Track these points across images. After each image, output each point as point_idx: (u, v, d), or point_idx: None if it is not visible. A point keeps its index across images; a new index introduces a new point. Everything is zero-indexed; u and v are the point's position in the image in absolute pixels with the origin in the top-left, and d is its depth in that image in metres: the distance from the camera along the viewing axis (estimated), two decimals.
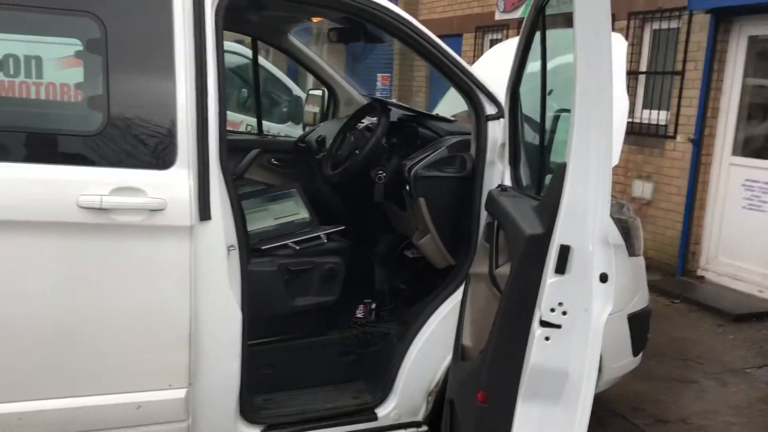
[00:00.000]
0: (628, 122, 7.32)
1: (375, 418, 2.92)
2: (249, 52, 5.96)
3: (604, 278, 1.87)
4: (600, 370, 3.23)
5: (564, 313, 1.90)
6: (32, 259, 2.25)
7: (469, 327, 2.62)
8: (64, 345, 2.33)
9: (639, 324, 3.43)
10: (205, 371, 2.53)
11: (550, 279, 1.89)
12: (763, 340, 5.19)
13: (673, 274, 6.75)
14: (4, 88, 2.35)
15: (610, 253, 1.90)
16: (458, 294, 2.92)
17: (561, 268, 1.88)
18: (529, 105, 2.77)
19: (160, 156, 2.37)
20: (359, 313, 3.33)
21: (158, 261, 2.38)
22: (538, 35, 2.48)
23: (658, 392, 4.21)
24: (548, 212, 1.94)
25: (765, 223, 6.06)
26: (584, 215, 1.87)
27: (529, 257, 1.94)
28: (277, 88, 8.35)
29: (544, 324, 1.91)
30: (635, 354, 3.46)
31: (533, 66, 2.68)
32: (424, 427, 3.01)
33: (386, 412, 2.94)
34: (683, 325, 5.49)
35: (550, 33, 2.35)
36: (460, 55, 10.19)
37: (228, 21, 2.54)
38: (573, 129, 1.86)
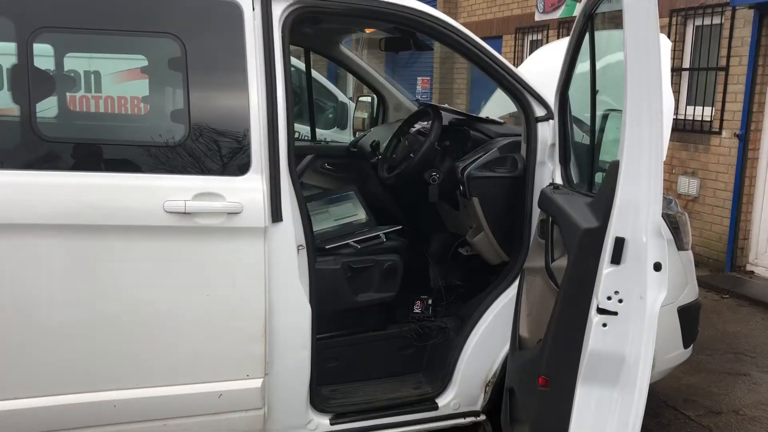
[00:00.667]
0: (672, 119, 7.34)
1: (435, 407, 3.08)
2: (296, 61, 6.20)
3: (658, 267, 2.00)
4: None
5: (620, 300, 2.03)
6: (125, 260, 2.47)
7: (526, 319, 2.75)
8: (156, 338, 2.54)
9: (689, 316, 3.50)
10: (279, 362, 2.72)
11: (606, 269, 2.03)
12: None
13: (722, 269, 6.75)
14: (97, 105, 2.59)
15: (663, 243, 2.02)
16: (512, 289, 3.06)
17: (616, 259, 2.01)
18: (577, 106, 2.90)
19: (236, 163, 2.57)
20: (416, 309, 3.48)
21: (236, 259, 2.58)
22: (586, 39, 2.60)
23: (710, 384, 4.27)
24: (602, 207, 2.07)
25: None
26: (637, 209, 2.00)
27: (586, 249, 2.08)
28: (322, 95, 8.58)
29: (602, 311, 2.04)
30: (686, 346, 3.53)
31: (581, 67, 2.81)
32: (482, 416, 3.15)
33: (446, 401, 3.09)
34: (733, 319, 5.51)
35: (598, 35, 2.48)
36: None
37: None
38: (625, 127, 1.99)
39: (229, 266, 2.59)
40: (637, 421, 2.06)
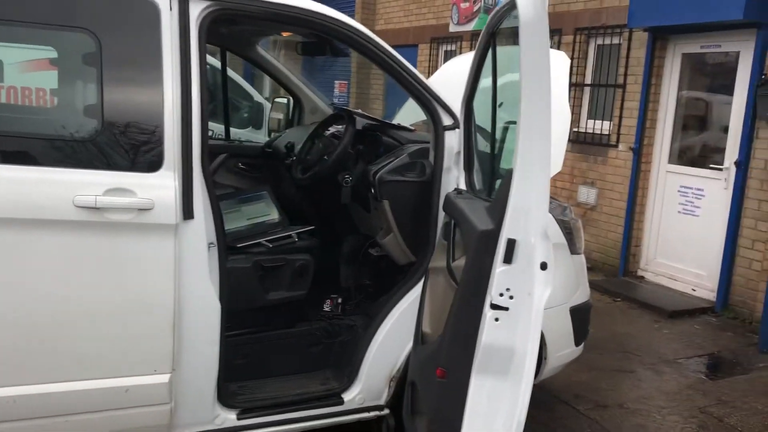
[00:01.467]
0: (574, 131, 7.80)
1: (341, 402, 3.18)
2: (212, 60, 6.18)
3: (544, 266, 2.18)
4: (545, 358, 3.60)
5: (511, 297, 2.21)
6: (33, 253, 2.44)
7: (428, 315, 2.90)
8: (61, 333, 2.52)
9: (580, 316, 3.76)
10: (187, 358, 2.75)
11: (499, 268, 2.20)
12: (694, 334, 5.63)
13: (616, 274, 7.19)
14: (14, 97, 2.55)
15: (548, 245, 2.21)
16: (418, 288, 3.20)
17: (508, 259, 2.18)
18: (482, 117, 3.09)
19: (149, 160, 2.60)
20: (327, 307, 3.58)
21: (146, 256, 2.59)
22: (489, 54, 2.79)
23: (599, 381, 4.58)
24: (498, 211, 2.24)
25: (698, 226, 6.54)
26: (527, 213, 2.18)
27: (482, 250, 2.24)
28: (238, 94, 8.54)
29: (494, 307, 2.21)
30: (577, 344, 3.79)
31: (485, 82, 3.00)
32: (386, 410, 3.28)
33: (351, 396, 3.19)
34: (623, 321, 5.91)
35: (500, 51, 2.66)
36: (415, 64, 10.48)
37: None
38: (518, 139, 2.18)
39: (139, 262, 2.60)
40: (523, 410, 2.24)
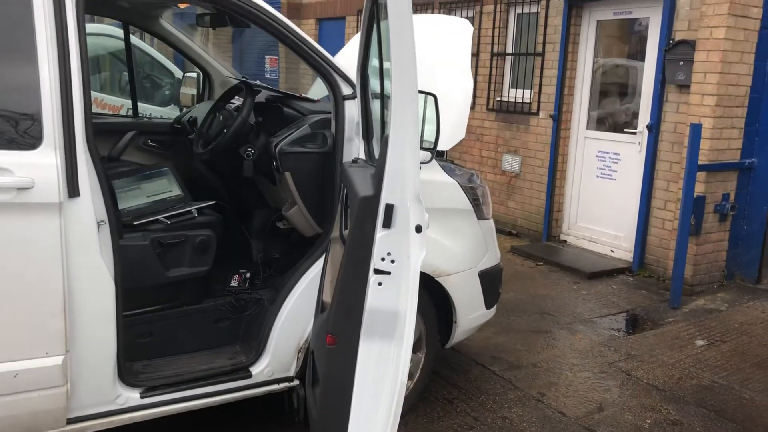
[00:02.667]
0: (497, 101, 7.86)
1: (249, 375, 3.18)
2: (137, 40, 6.01)
3: (418, 229, 2.22)
4: (455, 322, 3.67)
5: (392, 261, 2.23)
6: None
7: (329, 284, 2.92)
8: None
9: (490, 280, 3.85)
10: (81, 338, 2.70)
11: (379, 233, 2.22)
12: (610, 294, 5.83)
13: (539, 239, 7.37)
14: None
15: (422, 207, 2.24)
16: (323, 259, 3.21)
17: (387, 223, 2.21)
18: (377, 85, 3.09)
19: (27, 137, 2.51)
20: (234, 282, 3.56)
21: (30, 236, 2.52)
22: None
23: (515, 343, 4.70)
24: (377, 177, 2.26)
25: (615, 190, 6.74)
26: (403, 178, 2.20)
27: (363, 215, 2.26)
28: (159, 71, 8.34)
29: (377, 272, 2.23)
30: (488, 307, 3.88)
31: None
32: (296, 382, 3.29)
33: (260, 369, 3.20)
34: (544, 284, 6.07)
35: (382, 22, 2.66)
36: (343, 36, 10.37)
37: (96, 6, 2.69)
38: (391, 110, 2.19)
39: (23, 242, 2.53)
40: (405, 369, 2.28)
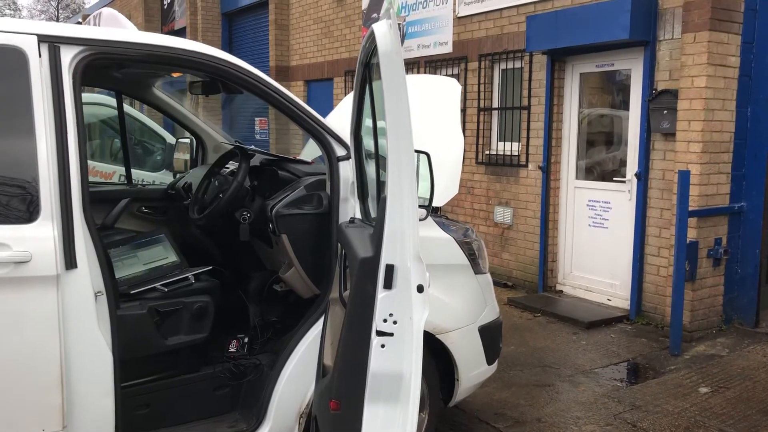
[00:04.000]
0: (486, 154, 7.96)
1: None
2: (130, 109, 6.09)
3: (420, 289, 2.22)
4: (457, 380, 3.63)
5: (395, 322, 2.22)
6: None
7: (329, 347, 2.89)
8: None
9: (490, 335, 3.82)
10: (79, 412, 2.65)
11: (380, 294, 2.22)
12: (610, 343, 5.79)
13: (536, 290, 7.35)
14: None
15: (423, 267, 2.24)
16: (322, 320, 3.19)
17: (388, 284, 2.21)
18: (372, 146, 3.13)
19: (24, 211, 2.52)
20: (232, 348, 3.51)
21: (27, 309, 2.50)
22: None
23: (518, 398, 4.64)
24: (376, 238, 2.27)
25: (607, 238, 6.77)
26: (402, 238, 2.21)
27: (364, 276, 2.26)
28: (150, 137, 8.44)
29: (380, 333, 2.22)
30: (490, 362, 3.84)
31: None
32: None
33: None
34: (543, 335, 6.02)
35: (375, 83, 2.72)
36: (332, 97, 10.52)
37: (88, 78, 2.75)
38: (388, 170, 2.22)
39: (20, 316, 2.51)
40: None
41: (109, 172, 7.51)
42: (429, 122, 3.60)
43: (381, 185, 2.88)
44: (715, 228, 5.84)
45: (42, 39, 2.61)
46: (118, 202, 4.07)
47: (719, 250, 5.82)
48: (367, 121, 2.93)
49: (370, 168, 3.16)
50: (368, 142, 3.04)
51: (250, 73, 3.07)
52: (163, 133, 8.43)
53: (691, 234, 5.60)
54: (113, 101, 7.39)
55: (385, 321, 2.21)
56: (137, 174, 7.21)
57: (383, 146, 2.79)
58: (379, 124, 2.69)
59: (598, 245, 6.88)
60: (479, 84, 8.00)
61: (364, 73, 2.79)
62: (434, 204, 3.19)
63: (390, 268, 2.20)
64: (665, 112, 5.93)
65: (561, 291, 7.27)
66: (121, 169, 7.36)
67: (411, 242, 2.21)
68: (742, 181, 5.93)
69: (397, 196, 2.21)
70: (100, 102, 7.61)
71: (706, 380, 4.91)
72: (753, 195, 5.90)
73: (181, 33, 16.04)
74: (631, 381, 5.00)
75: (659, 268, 6.17)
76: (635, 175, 6.35)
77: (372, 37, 2.36)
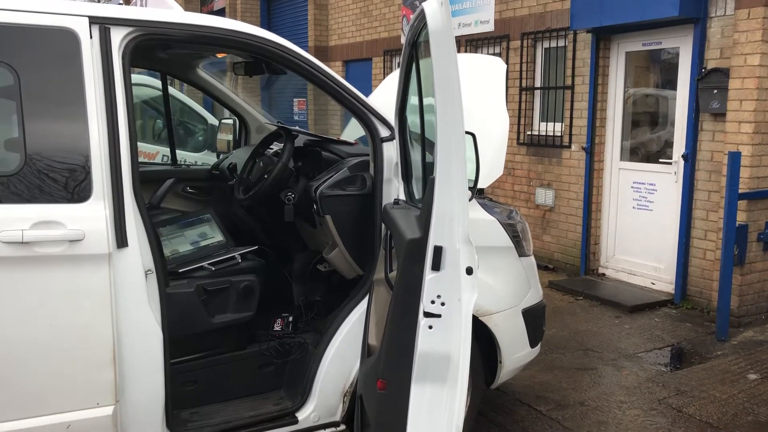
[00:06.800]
0: (528, 134, 7.86)
1: (296, 421, 3.16)
2: (160, 84, 6.15)
3: (469, 271, 2.20)
4: (500, 362, 3.61)
5: (443, 304, 2.22)
6: None
7: (374, 327, 2.90)
8: None
9: (534, 318, 3.78)
10: (131, 388, 2.71)
11: (428, 276, 2.21)
12: (654, 327, 5.70)
13: (577, 273, 7.26)
14: None
15: (472, 249, 2.22)
16: (366, 301, 3.20)
17: (436, 266, 2.20)
18: (419, 126, 3.11)
19: (77, 191, 2.57)
20: (277, 327, 3.55)
21: (80, 286, 2.56)
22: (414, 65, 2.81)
23: (560, 381, 4.60)
24: (424, 219, 2.26)
25: (652, 220, 6.64)
26: (451, 220, 2.20)
27: (411, 258, 2.25)
28: (192, 118, 8.53)
29: (427, 315, 2.21)
30: (533, 345, 3.81)
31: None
32: (342, 426, 3.26)
33: (306, 414, 3.17)
34: (585, 319, 5.96)
35: (422, 63, 2.69)
36: (370, 77, 10.47)
37: (135, 59, 2.78)
38: (437, 151, 2.20)
39: (73, 294, 2.57)
40: (460, 414, 2.24)
41: (152, 152, 7.63)
42: (474, 102, 3.54)
43: (427, 166, 2.86)
44: (766, 211, 5.68)
45: (93, 20, 2.64)
46: (163, 182, 4.15)
47: None
48: (413, 101, 2.90)
49: (416, 149, 3.14)
50: (413, 123, 3.02)
51: (295, 53, 3.06)
52: (204, 114, 8.51)
53: (741, 217, 5.46)
54: (154, 81, 7.53)
55: (432, 302, 2.21)
56: (180, 154, 7.31)
57: (430, 127, 2.77)
58: (426, 102, 2.66)
59: (643, 228, 6.75)
60: (521, 63, 7.87)
61: (411, 52, 2.76)
62: (479, 185, 3.16)
63: (438, 250, 2.19)
64: (715, 91, 5.76)
65: (603, 274, 7.17)
66: (164, 150, 7.49)
67: (460, 224, 2.19)
68: None
69: (446, 178, 2.19)
70: (142, 83, 7.71)
71: (755, 367, 4.81)
72: None
73: (219, 13, 16.12)
74: (676, 366, 4.92)
75: (706, 252, 6.03)
76: (682, 156, 6.20)
77: (421, 16, 2.32)
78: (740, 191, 5.30)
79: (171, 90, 8.44)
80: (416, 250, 2.23)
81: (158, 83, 7.15)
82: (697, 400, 4.28)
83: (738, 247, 5.43)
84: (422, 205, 2.34)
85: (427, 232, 2.21)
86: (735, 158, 5.19)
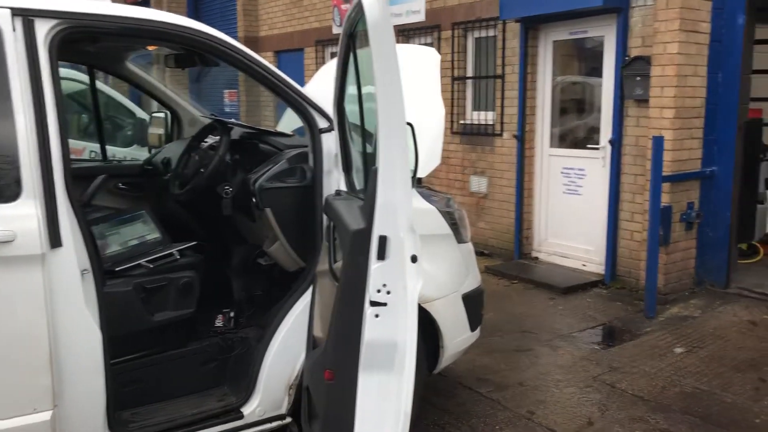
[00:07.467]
0: (461, 123, 7.97)
1: (241, 416, 3.14)
2: (85, 78, 5.94)
3: (414, 259, 2.24)
4: (442, 347, 3.68)
5: (388, 292, 2.25)
6: None
7: (319, 319, 2.91)
8: None
9: (473, 302, 3.87)
10: (70, 391, 2.64)
11: (374, 265, 2.24)
12: (586, 307, 5.92)
13: (512, 258, 7.44)
14: None
15: (416, 237, 2.27)
16: (309, 293, 3.20)
17: (381, 255, 2.23)
18: (358, 117, 3.12)
19: (5, 190, 2.47)
20: (218, 323, 3.52)
21: (13, 289, 2.47)
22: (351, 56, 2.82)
23: (499, 363, 4.73)
24: (368, 210, 2.28)
25: (582, 204, 6.86)
26: (395, 209, 2.23)
27: (356, 249, 2.27)
28: (119, 112, 8.27)
29: (373, 304, 2.24)
30: (473, 329, 3.89)
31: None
32: (288, 419, 3.26)
33: (251, 409, 3.16)
34: (521, 302, 6.12)
35: (360, 52, 2.70)
36: (302, 68, 10.38)
37: (63, 53, 2.68)
38: (379, 140, 2.22)
39: (6, 297, 2.47)
40: (408, 400, 2.29)
41: (79, 148, 7.37)
42: (409, 92, 3.57)
43: (368, 157, 2.88)
44: (688, 192, 5.96)
45: (16, 12, 2.53)
46: (93, 179, 4.03)
47: (692, 213, 5.95)
48: (352, 92, 2.91)
49: (355, 140, 3.16)
50: (353, 114, 3.03)
51: (230, 45, 3.02)
52: (132, 107, 8.27)
53: (665, 199, 5.71)
54: (78, 75, 7.27)
55: (378, 291, 2.24)
56: (109, 150, 7.09)
57: (370, 118, 2.79)
58: (365, 90, 2.67)
59: (573, 212, 6.97)
60: (453, 53, 7.97)
61: (348, 43, 2.77)
62: (418, 175, 3.20)
63: (383, 239, 2.22)
64: (638, 78, 5.99)
65: (537, 258, 7.38)
66: (91, 145, 7.24)
67: (404, 213, 2.23)
68: (713, 145, 6.04)
69: (389, 168, 2.22)
70: (66, 76, 7.43)
71: (681, 341, 5.06)
72: (724, 159, 6.02)
73: (145, 4, 15.65)
74: (608, 344, 5.12)
75: (633, 233, 6.28)
76: (609, 141, 6.43)
77: (359, 6, 2.33)
78: (664, 174, 5.55)
79: (98, 83, 8.17)
80: (361, 241, 2.25)
81: (82, 76, 6.92)
82: (628, 376, 4.47)
83: (663, 227, 5.68)
84: (366, 196, 2.36)
85: (372, 222, 2.24)
86: (658, 143, 5.43)
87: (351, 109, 3.02)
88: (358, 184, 3.11)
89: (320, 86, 4.01)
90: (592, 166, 6.74)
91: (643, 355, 4.80)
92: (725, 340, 5.04)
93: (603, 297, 6.20)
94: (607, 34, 6.47)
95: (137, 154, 7.44)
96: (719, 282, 6.16)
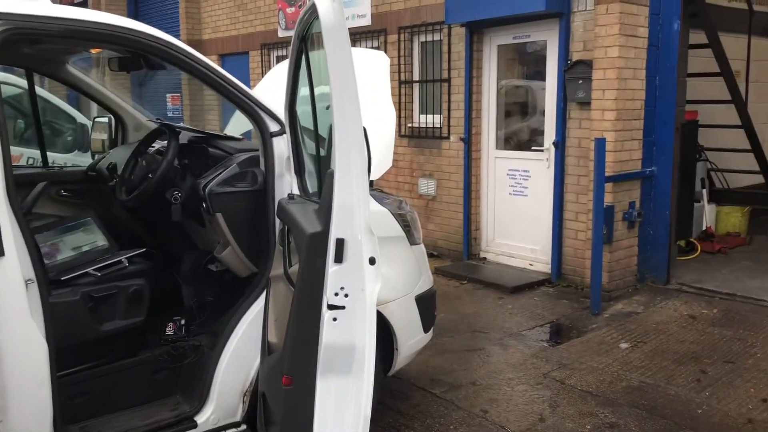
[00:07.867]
0: (409, 127, 8.01)
1: (195, 425, 3.09)
2: (22, 81, 5.73)
3: (372, 261, 2.25)
4: (396, 349, 3.69)
5: (346, 295, 2.25)
6: None
7: (273, 325, 2.88)
8: None
9: (426, 303, 3.90)
10: (14, 406, 2.54)
11: (331, 268, 2.23)
12: (534, 306, 6.03)
13: (461, 258, 7.53)
14: None
15: (374, 240, 2.28)
16: (262, 298, 3.17)
17: (339, 258, 2.22)
18: (309, 120, 3.11)
19: None
20: (169, 331, 3.45)
21: None
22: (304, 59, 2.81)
23: (452, 363, 4.77)
24: (324, 212, 2.28)
25: (527, 205, 6.99)
26: (352, 212, 2.23)
27: (313, 252, 2.26)
28: (58, 116, 8.01)
29: (331, 307, 2.24)
30: (426, 330, 3.92)
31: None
32: (243, 426, 3.22)
33: (205, 418, 3.11)
34: (471, 302, 6.20)
35: (312, 56, 2.69)
36: (248, 71, 10.26)
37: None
38: (335, 143, 2.22)
39: None
40: (367, 403, 2.29)
41: (16, 155, 7.10)
42: (361, 95, 3.59)
43: (321, 160, 2.87)
44: (629, 192, 6.15)
45: None
46: (34, 186, 3.90)
47: (633, 213, 6.14)
48: (304, 95, 2.90)
49: (307, 143, 3.14)
50: (305, 117, 3.02)
51: (177, 48, 2.97)
52: (72, 112, 8.03)
53: (608, 198, 5.87)
54: (12, 78, 7.01)
55: (336, 294, 2.23)
56: (49, 156, 6.86)
57: (324, 120, 2.78)
58: (318, 91, 2.66)
59: (519, 213, 7.10)
60: (399, 57, 8.01)
61: (300, 46, 2.76)
62: (370, 177, 3.21)
63: (340, 242, 2.21)
64: (580, 81, 6.15)
65: (485, 258, 7.48)
66: (29, 152, 6.98)
67: (361, 215, 2.23)
68: (652, 146, 6.24)
69: (345, 170, 2.22)
70: (2, 80, 7.15)
71: (626, 336, 5.21)
72: (663, 159, 6.23)
73: (82, 5, 15.22)
74: (557, 341, 5.23)
75: (577, 233, 6.44)
76: (553, 143, 6.57)
77: (312, 9, 2.33)
78: (606, 174, 5.71)
79: (36, 88, 7.89)
80: (318, 244, 2.25)
81: (17, 80, 6.67)
82: (577, 372, 4.58)
83: (606, 226, 5.84)
84: (322, 199, 2.35)
85: (329, 225, 2.23)
86: (600, 144, 5.58)
87: (303, 111, 3.01)
88: (311, 187, 3.10)
89: (270, 89, 3.98)
90: (537, 168, 6.87)
91: (591, 351, 4.93)
92: (667, 335, 5.22)
93: (550, 295, 6.33)
94: (549, 39, 6.62)
95: (79, 160, 7.21)
96: (660, 278, 6.37)
